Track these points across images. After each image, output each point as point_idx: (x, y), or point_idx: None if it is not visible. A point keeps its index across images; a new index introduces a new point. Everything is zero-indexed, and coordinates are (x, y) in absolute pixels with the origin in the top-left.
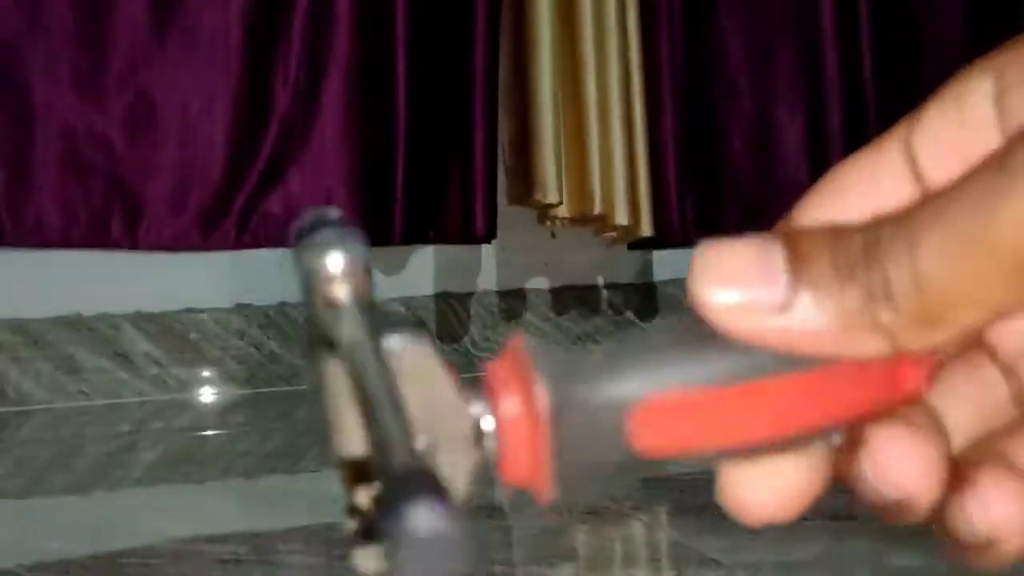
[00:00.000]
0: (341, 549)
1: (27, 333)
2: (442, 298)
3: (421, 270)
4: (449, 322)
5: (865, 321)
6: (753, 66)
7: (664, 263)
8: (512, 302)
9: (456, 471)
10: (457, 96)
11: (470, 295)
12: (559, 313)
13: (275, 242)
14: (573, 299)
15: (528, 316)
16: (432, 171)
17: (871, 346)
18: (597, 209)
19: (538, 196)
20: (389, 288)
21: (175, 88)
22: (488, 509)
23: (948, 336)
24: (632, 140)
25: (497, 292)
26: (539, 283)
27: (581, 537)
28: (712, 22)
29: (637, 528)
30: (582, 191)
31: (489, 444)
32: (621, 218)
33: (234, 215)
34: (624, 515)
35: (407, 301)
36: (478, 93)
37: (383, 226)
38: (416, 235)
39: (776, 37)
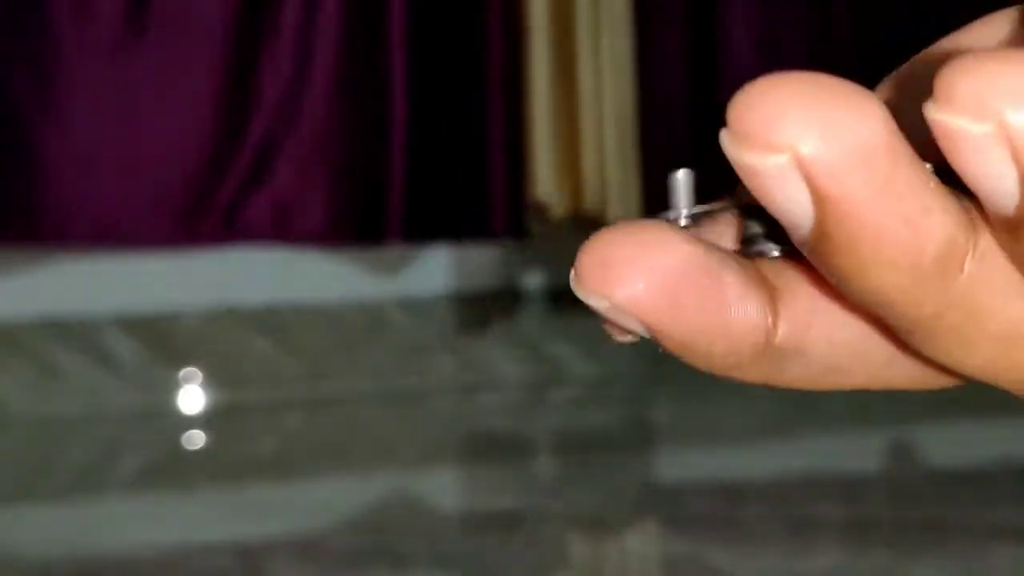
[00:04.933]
0: (331, 560)
1: (7, 336)
2: (451, 298)
3: (430, 268)
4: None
5: None
6: (761, 61)
7: None
8: (507, 301)
9: None
10: (469, 83)
11: (477, 294)
12: (554, 312)
13: (263, 238)
14: (569, 298)
15: (524, 315)
16: (441, 165)
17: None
18: (591, 208)
19: (532, 194)
20: (393, 286)
21: (159, 79)
22: (491, 521)
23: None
24: (624, 139)
25: (493, 292)
26: (536, 281)
27: (585, 548)
28: (717, 16)
29: (642, 538)
30: (576, 189)
31: None
32: (614, 217)
33: (220, 211)
34: (629, 525)
35: (409, 301)
36: (493, 78)
37: (380, 223)
38: (422, 232)
39: (785, 30)
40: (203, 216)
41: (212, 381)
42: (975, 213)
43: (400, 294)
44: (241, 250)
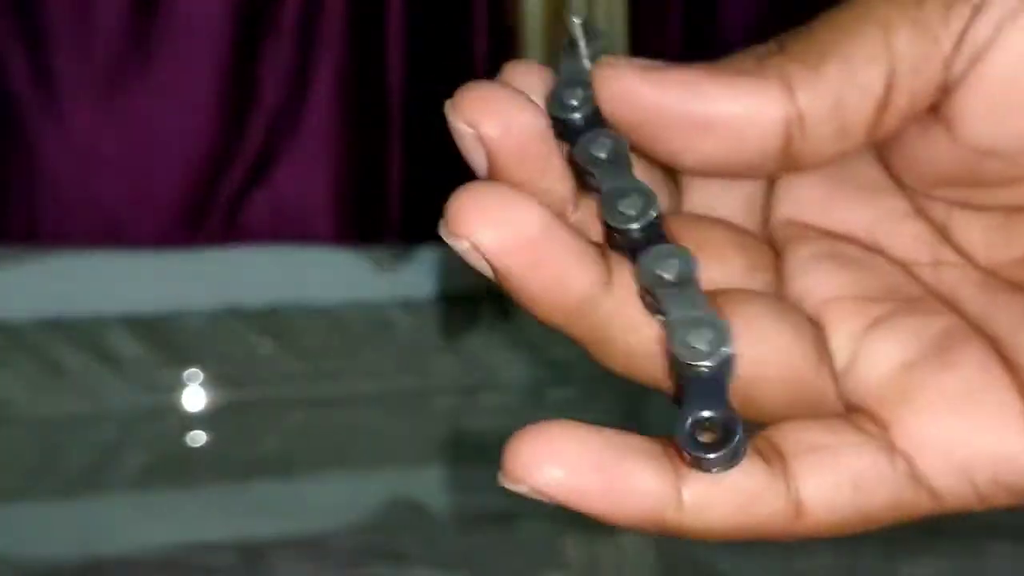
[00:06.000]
0: (332, 557)
1: (9, 335)
2: (451, 299)
3: (431, 269)
4: (452, 323)
5: (752, 69)
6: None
7: None
8: (506, 302)
9: None
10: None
11: (469, 296)
12: None
13: (263, 238)
14: None
15: (520, 316)
16: (440, 165)
17: (763, 97)
18: None
19: None
20: (394, 287)
21: (161, 78)
22: (490, 520)
23: (840, 75)
24: None
25: (492, 293)
26: None
27: (580, 545)
28: (714, 21)
29: (637, 537)
30: None
31: None
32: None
33: (220, 211)
34: None
35: (410, 302)
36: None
37: (379, 223)
38: (418, 232)
39: (780, 24)
40: (204, 216)
41: (215, 380)
42: (612, 256)
43: (401, 295)
44: (244, 251)
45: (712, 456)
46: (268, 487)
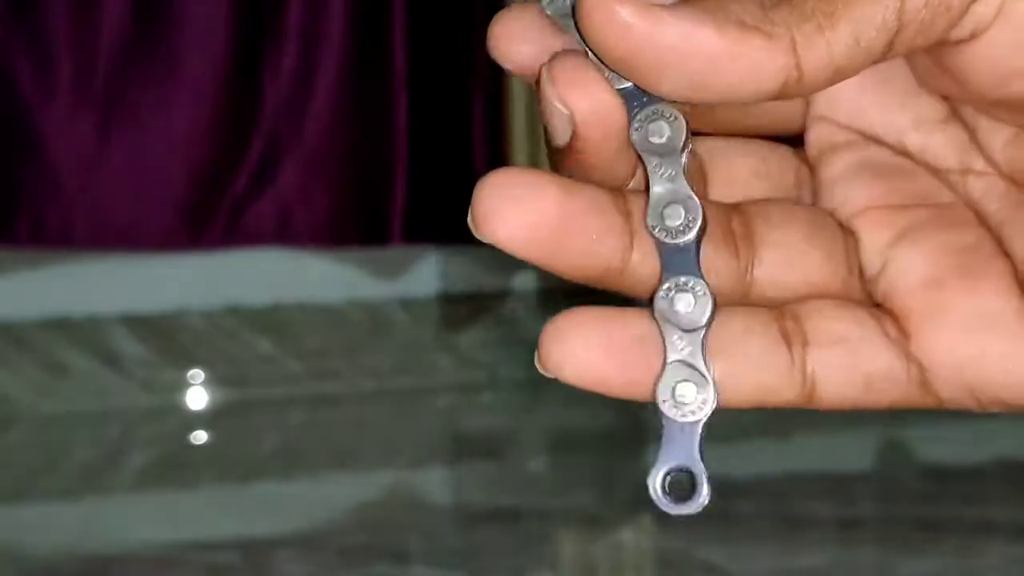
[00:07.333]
0: (332, 555)
1: (12, 335)
2: (451, 298)
3: (431, 269)
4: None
5: (759, 22)
6: None
7: None
8: (506, 301)
9: None
10: (467, 87)
11: (470, 296)
12: (549, 313)
13: (265, 241)
14: (563, 300)
15: (519, 316)
16: (445, 167)
17: (768, 57)
18: None
19: None
20: (395, 287)
21: (164, 81)
22: (489, 518)
23: (847, 43)
24: None
25: (492, 292)
26: (531, 282)
27: (583, 543)
28: None
29: (640, 534)
30: None
31: None
32: None
33: (224, 214)
34: (623, 521)
35: (410, 301)
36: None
37: (380, 225)
38: (423, 235)
39: None
40: (208, 218)
41: (216, 380)
42: (633, 216)
43: (401, 295)
44: (245, 252)
45: (676, 511)
46: (269, 486)
